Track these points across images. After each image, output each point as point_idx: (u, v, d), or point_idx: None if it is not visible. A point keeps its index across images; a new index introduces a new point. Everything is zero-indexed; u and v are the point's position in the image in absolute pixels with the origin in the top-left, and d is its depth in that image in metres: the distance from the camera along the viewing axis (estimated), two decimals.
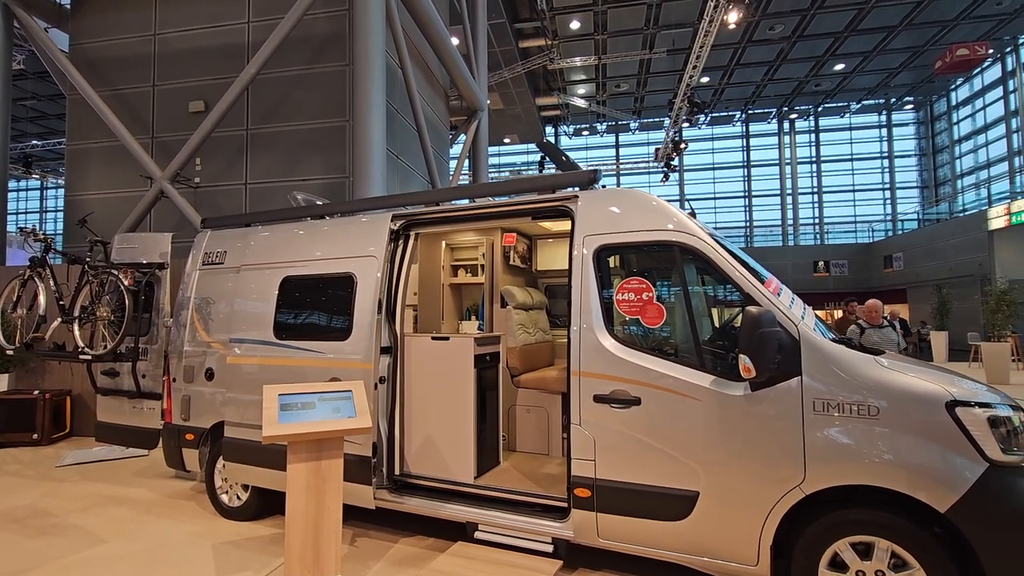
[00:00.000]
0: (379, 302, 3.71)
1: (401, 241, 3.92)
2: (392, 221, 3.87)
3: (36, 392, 6.98)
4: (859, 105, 28.74)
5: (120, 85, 9.34)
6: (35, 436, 6.88)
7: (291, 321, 4.08)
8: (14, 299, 4.82)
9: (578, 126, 31.49)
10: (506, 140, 28.57)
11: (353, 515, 3.88)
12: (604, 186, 3.44)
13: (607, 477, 2.97)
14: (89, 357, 4.41)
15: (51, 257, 4.87)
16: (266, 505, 4.18)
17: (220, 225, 4.83)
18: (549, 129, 30.88)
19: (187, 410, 4.48)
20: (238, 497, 4.26)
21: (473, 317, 5.49)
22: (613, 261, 3.23)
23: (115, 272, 4.44)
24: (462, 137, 14.05)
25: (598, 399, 3.01)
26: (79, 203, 9.33)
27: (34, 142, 27.23)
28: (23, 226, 5.15)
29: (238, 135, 8.89)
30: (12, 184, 34.04)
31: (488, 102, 14.81)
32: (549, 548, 3.17)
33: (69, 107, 9.62)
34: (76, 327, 4.56)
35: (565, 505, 3.18)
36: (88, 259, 4.69)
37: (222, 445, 4.18)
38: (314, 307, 4.03)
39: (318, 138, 8.62)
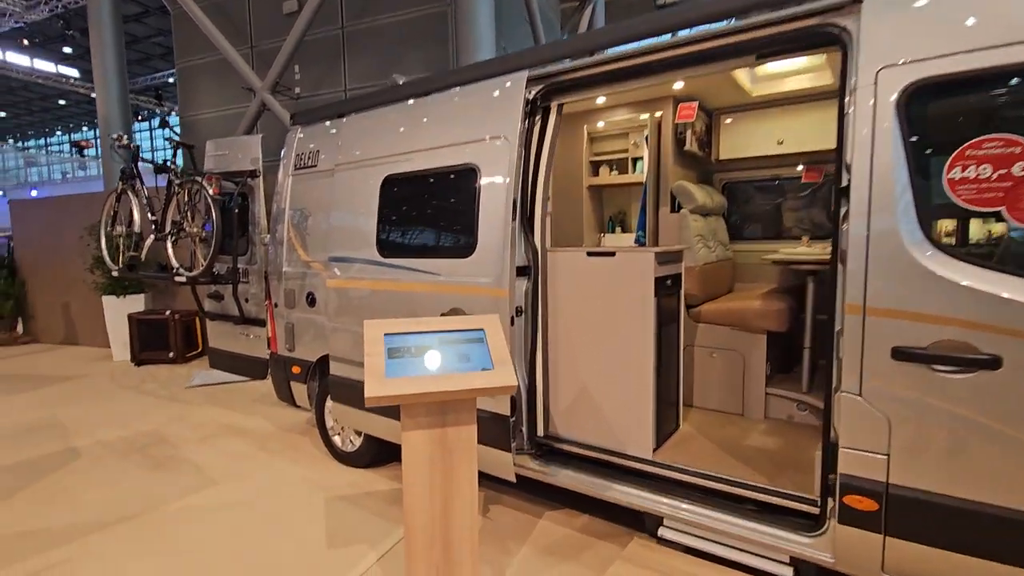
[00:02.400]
0: (513, 203, 2.63)
1: (540, 116, 2.74)
2: (527, 87, 2.68)
3: (168, 312, 7.08)
4: None
5: None
6: (171, 355, 7.05)
7: (397, 234, 3.16)
8: (112, 216, 4.45)
9: None
10: None
11: None
12: None
13: (915, 485, 1.76)
14: (184, 279, 3.92)
15: (141, 167, 4.36)
16: (384, 452, 3.53)
17: (311, 120, 3.96)
18: None
19: (291, 339, 3.89)
20: (351, 441, 3.65)
21: (618, 228, 4.28)
22: (940, 109, 1.80)
23: (199, 180, 3.80)
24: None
25: (903, 355, 1.74)
26: (192, 123, 9.21)
27: (168, 79, 29.04)
28: (112, 134, 4.68)
29: (333, 36, 8.02)
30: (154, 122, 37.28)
31: None
32: (787, 571, 2.09)
33: (174, 24, 9.28)
34: (169, 245, 4.07)
35: (816, 511, 2.05)
36: (172, 167, 4.10)
37: (329, 383, 3.53)
38: (425, 214, 3.06)
39: (417, 30, 7.50)
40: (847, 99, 1.88)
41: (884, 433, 1.79)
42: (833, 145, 1.98)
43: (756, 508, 2.25)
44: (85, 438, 4.35)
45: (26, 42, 20.07)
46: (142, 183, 4.33)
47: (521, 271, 2.73)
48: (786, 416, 3.11)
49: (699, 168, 3.96)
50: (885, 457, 1.79)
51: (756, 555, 2.15)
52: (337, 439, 3.75)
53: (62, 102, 29.17)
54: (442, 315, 2.81)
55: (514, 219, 2.64)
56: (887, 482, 1.80)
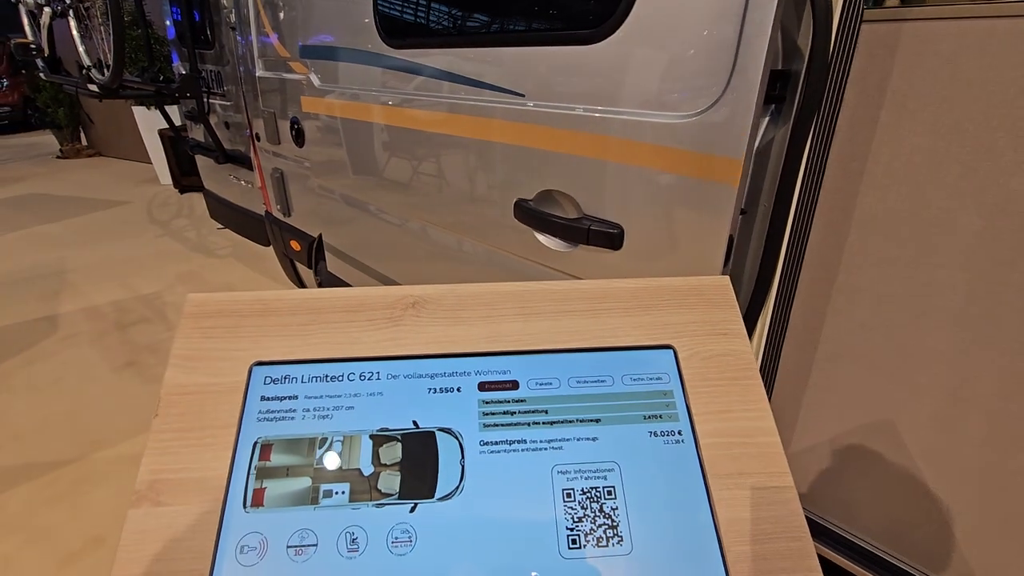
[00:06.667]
0: None
1: None
2: None
3: None
4: None
5: None
6: None
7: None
8: None
9: None
10: None
11: None
12: None
13: None
14: (96, 89, 2.38)
15: None
16: None
17: None
18: None
19: (283, 197, 2.40)
20: None
21: None
22: None
23: None
24: None
25: None
26: None
27: None
28: None
29: None
30: None
31: None
32: None
33: None
34: (73, 24, 2.45)
35: None
36: None
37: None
38: None
39: None
40: None
41: None
42: None
43: None
44: (76, 300, 3.45)
45: None
46: None
47: (773, 88, 0.87)
48: None
49: None
50: None
51: None
52: None
53: None
54: (519, 209, 1.11)
55: None
56: None
